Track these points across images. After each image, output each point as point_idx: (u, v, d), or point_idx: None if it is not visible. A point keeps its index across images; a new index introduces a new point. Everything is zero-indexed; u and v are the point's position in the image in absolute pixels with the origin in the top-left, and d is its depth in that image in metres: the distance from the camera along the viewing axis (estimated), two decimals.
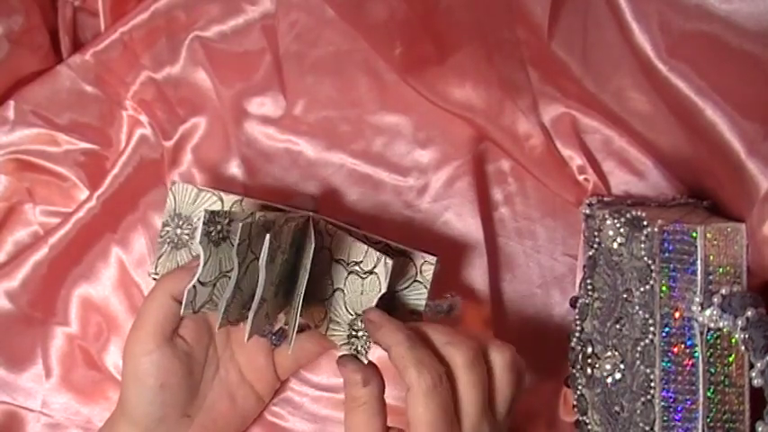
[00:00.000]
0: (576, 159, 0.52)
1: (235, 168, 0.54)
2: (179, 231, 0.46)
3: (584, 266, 0.48)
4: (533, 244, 0.53)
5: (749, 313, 0.37)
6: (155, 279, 0.45)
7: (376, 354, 0.41)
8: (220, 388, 0.47)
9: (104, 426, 0.46)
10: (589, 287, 0.47)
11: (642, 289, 0.42)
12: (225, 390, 0.47)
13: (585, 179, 0.51)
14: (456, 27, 0.49)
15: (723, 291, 0.39)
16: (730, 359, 0.40)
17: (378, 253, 0.41)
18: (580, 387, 0.47)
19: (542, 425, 0.51)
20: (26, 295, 0.52)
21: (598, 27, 0.42)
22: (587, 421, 0.47)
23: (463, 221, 0.52)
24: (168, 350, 0.43)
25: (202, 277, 0.40)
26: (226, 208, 0.46)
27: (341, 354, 0.41)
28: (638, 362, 0.42)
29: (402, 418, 0.39)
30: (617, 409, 0.44)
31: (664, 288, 0.41)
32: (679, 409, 0.40)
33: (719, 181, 0.44)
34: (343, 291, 0.43)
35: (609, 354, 0.44)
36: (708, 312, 0.39)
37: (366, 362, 0.41)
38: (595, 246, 0.46)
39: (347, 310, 0.43)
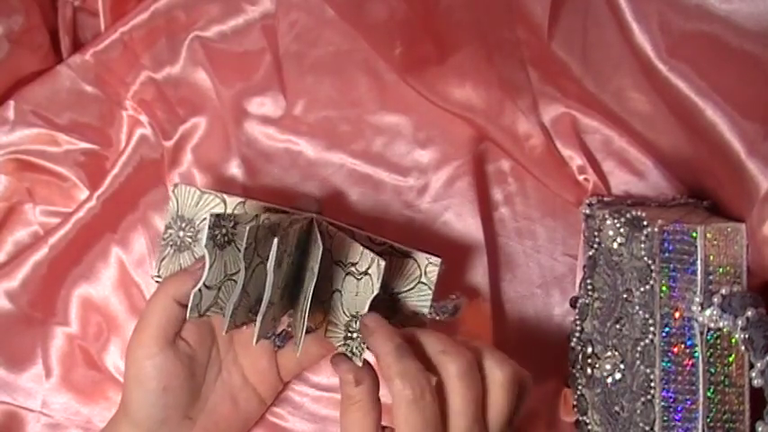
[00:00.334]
0: (576, 159, 0.52)
1: (235, 168, 0.54)
2: (182, 234, 0.46)
3: (584, 266, 0.48)
4: (533, 244, 0.53)
5: (749, 313, 0.37)
6: (157, 282, 0.45)
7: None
8: (223, 390, 0.47)
9: (106, 427, 0.46)
10: (589, 287, 0.47)
11: (642, 289, 0.42)
12: (227, 392, 0.47)
13: (585, 179, 0.51)
14: (456, 27, 0.49)
15: (723, 291, 0.39)
16: (730, 359, 0.40)
17: (372, 254, 0.41)
18: (580, 387, 0.47)
19: (542, 425, 0.51)
20: (26, 295, 0.52)
21: (598, 27, 0.42)
22: (587, 421, 0.47)
23: (463, 221, 0.52)
24: (171, 353, 0.43)
25: (208, 281, 0.40)
26: (229, 210, 0.46)
27: (334, 353, 0.41)
28: (638, 362, 0.42)
29: None
30: (617, 409, 0.44)
31: (664, 288, 0.41)
32: (679, 409, 0.40)
33: (719, 181, 0.44)
34: (340, 292, 0.43)
35: (609, 354, 0.44)
36: (708, 312, 0.39)
37: (360, 363, 0.41)
38: (595, 246, 0.46)
39: (344, 311, 0.43)
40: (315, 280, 0.40)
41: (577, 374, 0.48)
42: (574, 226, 0.52)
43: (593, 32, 0.43)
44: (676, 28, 0.37)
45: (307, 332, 0.48)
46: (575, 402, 0.48)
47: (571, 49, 0.46)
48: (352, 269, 0.43)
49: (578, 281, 0.50)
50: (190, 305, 0.40)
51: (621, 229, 0.43)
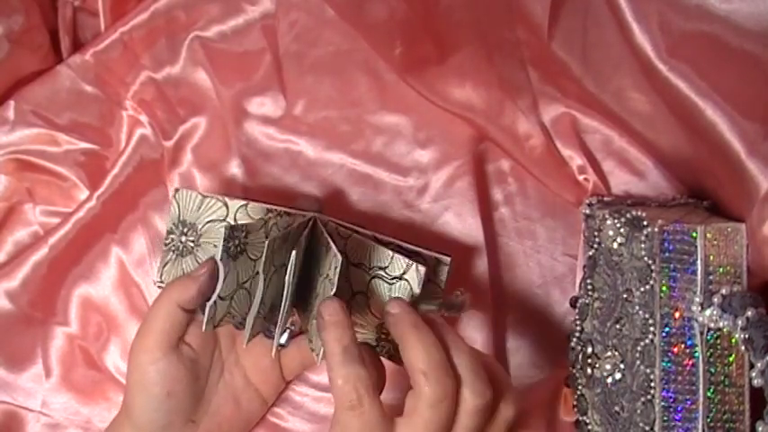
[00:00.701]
0: (576, 159, 0.52)
1: (235, 168, 0.54)
2: (184, 239, 0.46)
3: (584, 266, 0.48)
4: (533, 244, 0.53)
5: (749, 313, 0.37)
6: (160, 287, 0.45)
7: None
8: (225, 392, 0.47)
9: (107, 429, 0.46)
10: (589, 287, 0.47)
11: (642, 289, 0.42)
12: (230, 394, 0.47)
13: (585, 179, 0.51)
14: (456, 27, 0.49)
15: (723, 291, 0.39)
16: (730, 359, 0.40)
17: (406, 259, 0.41)
18: (580, 387, 0.47)
19: (542, 425, 0.51)
20: (26, 295, 0.52)
21: (598, 27, 0.42)
22: (587, 421, 0.47)
23: (463, 221, 0.52)
24: (174, 358, 0.43)
25: (222, 292, 0.40)
26: (231, 213, 0.46)
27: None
28: (638, 362, 0.42)
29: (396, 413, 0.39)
30: (617, 409, 0.44)
31: (664, 288, 0.41)
32: (679, 409, 0.40)
33: (719, 181, 0.44)
34: (365, 294, 0.43)
35: (609, 354, 0.44)
36: (708, 312, 0.39)
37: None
38: (595, 246, 0.46)
39: (373, 313, 0.43)
40: (333, 289, 0.40)
41: (577, 374, 0.48)
42: (574, 226, 0.52)
43: (593, 32, 0.43)
44: (676, 28, 0.37)
45: (302, 332, 0.48)
46: (575, 402, 0.48)
47: (571, 49, 0.46)
48: (381, 273, 0.43)
49: (578, 281, 0.50)
50: (206, 317, 0.40)
51: (621, 229, 0.43)
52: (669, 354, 0.40)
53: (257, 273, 0.42)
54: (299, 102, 0.54)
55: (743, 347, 0.37)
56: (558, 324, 0.52)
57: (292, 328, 0.48)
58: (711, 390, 0.40)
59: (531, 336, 0.52)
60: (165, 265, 0.46)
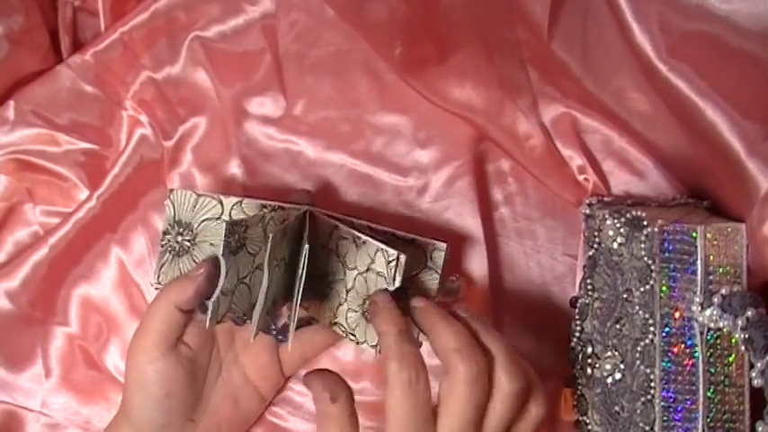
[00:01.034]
0: (576, 159, 0.52)
1: (235, 168, 0.54)
2: (180, 239, 0.46)
3: (584, 266, 0.48)
4: (533, 244, 0.53)
5: (749, 313, 0.37)
6: (158, 289, 0.45)
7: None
8: (223, 390, 0.47)
9: (107, 429, 0.46)
10: (589, 287, 0.47)
11: (642, 289, 0.42)
12: (228, 392, 0.47)
13: (585, 179, 0.51)
14: (456, 27, 0.49)
15: (723, 291, 0.39)
16: (730, 359, 0.40)
17: (389, 249, 0.42)
18: (580, 387, 0.47)
19: (542, 425, 0.51)
20: (26, 295, 0.52)
21: (598, 27, 0.42)
22: (587, 421, 0.47)
23: (463, 221, 0.52)
24: (173, 358, 0.43)
25: (224, 288, 0.40)
26: (226, 211, 0.46)
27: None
28: (638, 362, 0.42)
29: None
30: (617, 409, 0.44)
31: (664, 288, 0.41)
32: (679, 409, 0.40)
33: (719, 181, 0.44)
34: (356, 291, 0.44)
35: (609, 354, 0.44)
36: (708, 312, 0.39)
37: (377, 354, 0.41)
38: (595, 246, 0.46)
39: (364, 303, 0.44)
40: (303, 279, 0.41)
41: (577, 374, 0.48)
42: (574, 226, 0.52)
43: (593, 32, 0.43)
44: (676, 28, 0.37)
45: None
46: (575, 402, 0.48)
47: (571, 49, 0.46)
48: (372, 266, 0.43)
49: (578, 281, 0.50)
50: (209, 313, 0.40)
51: (621, 229, 0.43)
52: (669, 354, 0.40)
53: (256, 267, 0.42)
54: (299, 102, 0.54)
55: (743, 347, 0.37)
56: (558, 324, 0.52)
57: (288, 321, 0.48)
58: (711, 390, 0.40)
59: (531, 336, 0.52)
60: (161, 267, 0.46)
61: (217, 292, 0.40)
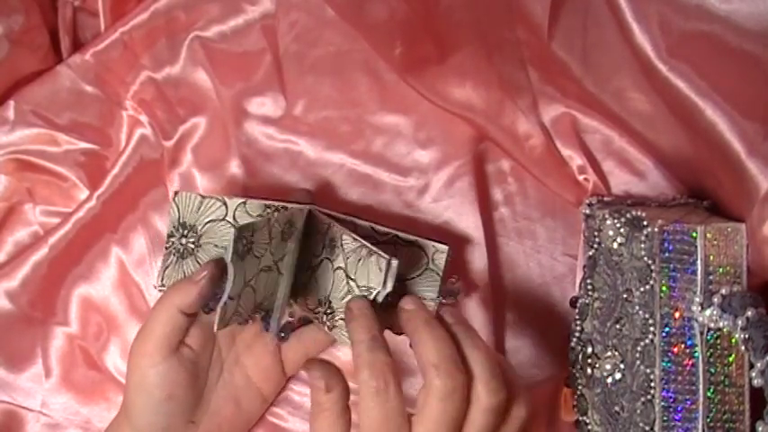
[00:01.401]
0: (576, 159, 0.52)
1: (235, 168, 0.54)
2: (184, 241, 0.46)
3: (584, 266, 0.48)
4: (533, 244, 0.53)
5: (749, 313, 0.37)
6: (161, 291, 0.45)
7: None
8: (225, 392, 0.47)
9: (107, 430, 0.46)
10: (589, 287, 0.47)
11: (642, 289, 0.42)
12: (230, 393, 0.47)
13: (585, 179, 0.51)
14: (456, 27, 0.49)
15: (723, 291, 0.39)
16: (730, 359, 0.40)
17: (382, 255, 0.42)
18: (580, 387, 0.47)
19: (542, 425, 0.51)
20: (26, 295, 0.52)
21: (598, 27, 0.42)
22: (587, 421, 0.47)
23: (463, 221, 0.52)
24: (175, 361, 0.43)
25: (232, 292, 0.40)
26: (230, 212, 0.46)
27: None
28: (638, 362, 0.42)
29: None
30: (617, 409, 0.44)
31: (664, 288, 0.41)
32: (679, 409, 0.40)
33: (719, 181, 0.44)
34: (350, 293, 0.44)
35: (609, 354, 0.44)
36: (708, 312, 0.39)
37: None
38: (595, 246, 0.46)
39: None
40: (290, 277, 0.42)
41: (577, 374, 0.48)
42: (574, 226, 0.52)
43: (593, 32, 0.43)
44: (676, 28, 0.37)
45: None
46: (575, 402, 0.48)
47: (571, 49, 0.46)
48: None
49: (578, 281, 0.50)
50: (217, 319, 0.40)
51: (621, 229, 0.43)
52: (669, 354, 0.40)
53: (261, 269, 0.42)
54: (299, 102, 0.54)
55: (743, 347, 0.37)
56: (558, 324, 0.52)
57: (291, 319, 0.48)
58: (711, 390, 0.40)
59: (531, 336, 0.52)
60: (165, 269, 0.46)
61: (224, 297, 0.40)
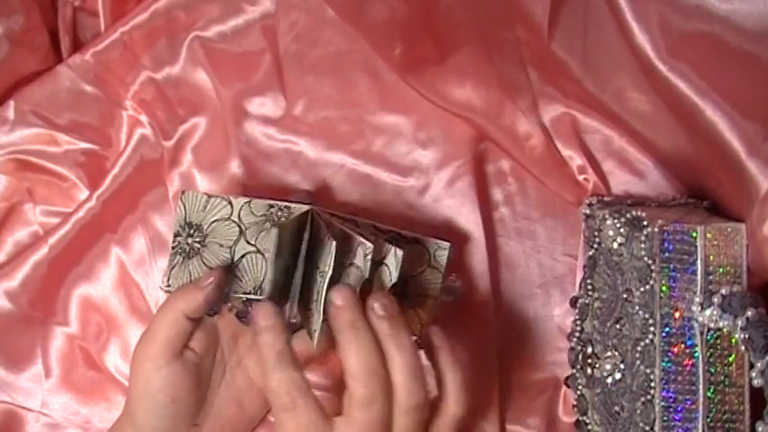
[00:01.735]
0: (576, 159, 0.52)
1: (235, 168, 0.54)
2: (190, 240, 0.46)
3: (584, 266, 0.48)
4: (533, 244, 0.53)
5: (749, 313, 0.37)
6: (167, 292, 0.45)
7: None
8: (227, 394, 0.47)
9: (110, 431, 0.46)
10: (589, 287, 0.47)
11: (642, 289, 0.42)
12: (232, 395, 0.47)
13: (585, 179, 0.51)
14: (456, 27, 0.49)
15: (723, 291, 0.39)
16: (730, 359, 0.40)
17: (387, 244, 0.42)
18: (580, 387, 0.47)
19: (542, 425, 0.51)
20: (26, 295, 0.52)
21: (598, 27, 0.42)
22: (587, 421, 0.47)
23: (463, 221, 0.52)
24: (178, 365, 0.43)
25: (269, 292, 0.43)
26: (235, 211, 0.46)
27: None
28: (638, 362, 0.42)
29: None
30: (617, 409, 0.44)
31: (664, 288, 0.41)
32: (679, 409, 0.40)
33: (719, 181, 0.44)
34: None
35: (609, 354, 0.44)
36: (708, 312, 0.39)
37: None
38: (595, 246, 0.46)
39: None
40: (327, 282, 0.41)
41: (577, 374, 0.48)
42: (574, 226, 0.52)
43: (593, 32, 0.43)
44: (676, 28, 0.37)
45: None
46: (575, 402, 0.48)
47: (571, 49, 0.46)
48: (355, 261, 0.43)
49: (578, 281, 0.50)
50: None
51: (621, 229, 0.43)
52: (669, 354, 0.41)
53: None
54: (299, 102, 0.54)
55: (743, 347, 0.37)
56: (558, 324, 0.52)
57: (293, 320, 0.48)
58: (711, 390, 0.40)
59: (531, 336, 0.52)
60: (172, 269, 0.46)
61: (264, 295, 0.42)
